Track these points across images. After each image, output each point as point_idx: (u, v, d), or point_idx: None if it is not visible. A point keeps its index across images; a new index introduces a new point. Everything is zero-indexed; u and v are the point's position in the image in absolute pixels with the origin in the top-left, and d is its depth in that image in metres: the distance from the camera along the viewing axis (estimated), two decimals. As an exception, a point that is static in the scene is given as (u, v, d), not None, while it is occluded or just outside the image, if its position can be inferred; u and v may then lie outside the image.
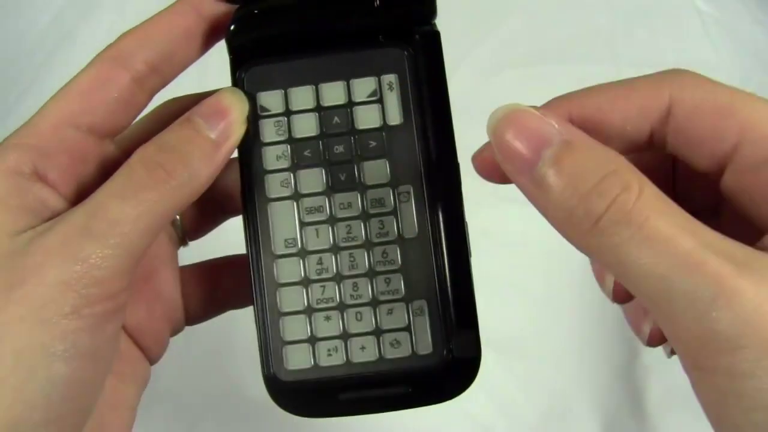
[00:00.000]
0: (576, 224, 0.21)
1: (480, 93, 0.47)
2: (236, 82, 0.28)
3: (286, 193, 0.27)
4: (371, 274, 0.27)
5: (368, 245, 0.27)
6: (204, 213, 0.31)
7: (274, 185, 0.27)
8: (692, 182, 0.26)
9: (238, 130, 0.26)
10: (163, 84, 0.27)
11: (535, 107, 0.23)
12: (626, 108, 0.23)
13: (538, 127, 0.22)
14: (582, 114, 0.24)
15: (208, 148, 0.25)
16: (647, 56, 0.58)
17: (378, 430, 0.50)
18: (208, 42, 0.28)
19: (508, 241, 0.54)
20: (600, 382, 0.52)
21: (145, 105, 0.27)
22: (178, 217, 0.31)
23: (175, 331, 0.31)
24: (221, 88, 0.26)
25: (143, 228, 0.23)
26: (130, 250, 0.23)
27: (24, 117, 0.25)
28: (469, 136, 0.29)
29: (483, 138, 0.24)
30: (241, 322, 0.53)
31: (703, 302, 0.19)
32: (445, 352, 0.26)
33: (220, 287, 0.31)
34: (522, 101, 0.24)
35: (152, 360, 0.30)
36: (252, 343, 0.52)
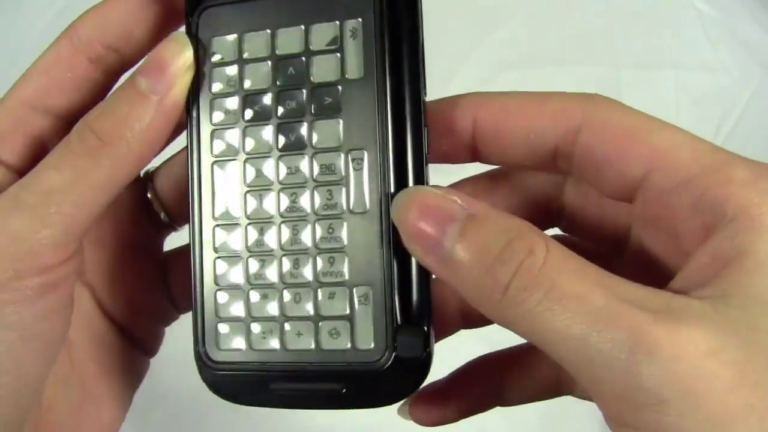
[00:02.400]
0: (488, 297, 0.20)
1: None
2: (189, 26, 0.25)
3: (233, 152, 0.24)
4: (314, 251, 0.24)
5: (313, 218, 0.24)
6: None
7: (220, 143, 0.25)
8: (594, 221, 0.26)
9: (182, 80, 0.23)
10: (124, 63, 0.25)
11: (438, 186, 0.22)
12: (534, 116, 0.23)
13: (441, 205, 0.21)
14: (489, 114, 0.23)
15: (150, 106, 0.23)
16: (646, 57, 0.58)
17: (375, 428, 0.50)
18: (167, 21, 0.25)
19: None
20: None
21: (107, 84, 0.25)
22: (158, 201, 0.29)
23: (167, 321, 0.30)
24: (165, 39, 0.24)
25: (79, 199, 0.22)
26: (64, 222, 0.22)
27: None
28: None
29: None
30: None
31: (621, 357, 0.18)
32: (387, 350, 0.23)
33: None
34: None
35: (148, 352, 0.29)
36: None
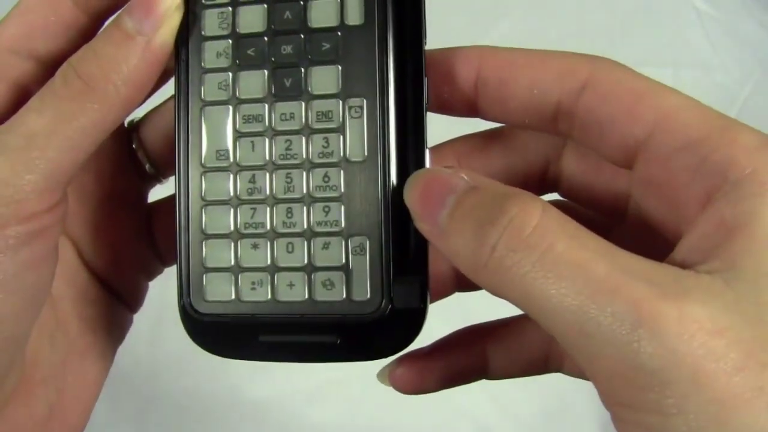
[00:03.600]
0: (475, 261, 0.19)
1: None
2: None
3: (224, 96, 0.24)
4: (308, 200, 0.23)
5: (308, 166, 0.23)
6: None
7: (211, 87, 0.24)
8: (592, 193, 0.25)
9: (170, 21, 0.22)
10: (111, 5, 0.24)
11: (449, 167, 0.22)
12: (540, 71, 0.22)
13: (445, 180, 0.21)
14: (493, 65, 0.23)
15: (136, 47, 0.22)
16: (646, 56, 0.58)
17: (377, 428, 0.50)
18: None
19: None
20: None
21: (93, 27, 0.24)
22: (143, 152, 0.28)
23: (151, 274, 0.29)
24: None
25: (63, 144, 0.21)
26: (48, 167, 0.21)
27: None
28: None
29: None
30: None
31: (622, 333, 0.17)
32: (383, 301, 0.23)
33: None
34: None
35: (131, 307, 0.28)
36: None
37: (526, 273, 0.18)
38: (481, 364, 0.27)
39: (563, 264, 0.18)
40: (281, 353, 0.24)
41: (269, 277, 0.23)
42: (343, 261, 0.23)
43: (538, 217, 0.18)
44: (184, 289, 0.24)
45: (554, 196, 0.27)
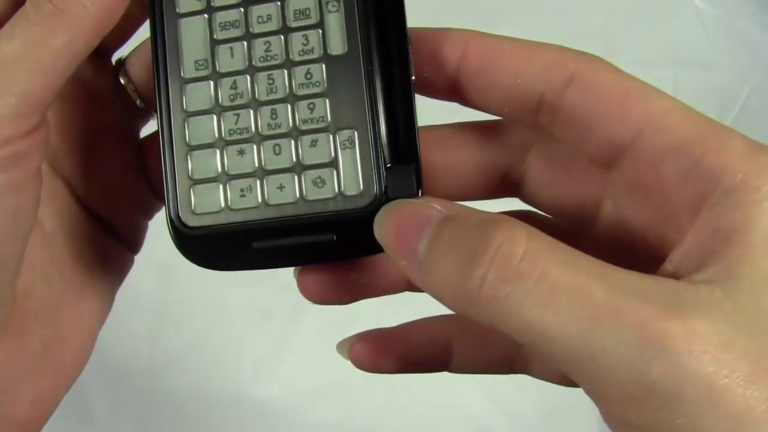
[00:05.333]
0: (464, 295, 0.18)
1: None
2: None
3: (198, 6, 0.23)
4: (292, 99, 0.23)
5: (289, 64, 0.23)
6: None
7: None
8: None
9: None
10: None
11: (419, 198, 0.22)
12: (526, 61, 0.22)
13: (418, 211, 0.20)
14: (479, 51, 0.22)
15: None
16: (645, 55, 0.58)
17: (378, 427, 0.50)
18: None
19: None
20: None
21: None
22: (132, 86, 0.27)
23: (148, 211, 0.29)
24: None
25: (34, 66, 0.21)
26: (20, 90, 0.21)
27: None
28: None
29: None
30: (243, 324, 0.53)
31: (629, 356, 0.16)
32: (377, 193, 0.22)
33: None
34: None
35: (131, 246, 0.28)
36: (254, 346, 0.52)
37: (520, 304, 0.17)
38: (444, 356, 0.27)
39: (559, 291, 0.17)
40: (277, 258, 0.23)
41: (258, 182, 0.23)
42: (332, 156, 0.22)
43: (525, 243, 0.18)
44: (172, 205, 0.24)
45: (515, 200, 0.26)
